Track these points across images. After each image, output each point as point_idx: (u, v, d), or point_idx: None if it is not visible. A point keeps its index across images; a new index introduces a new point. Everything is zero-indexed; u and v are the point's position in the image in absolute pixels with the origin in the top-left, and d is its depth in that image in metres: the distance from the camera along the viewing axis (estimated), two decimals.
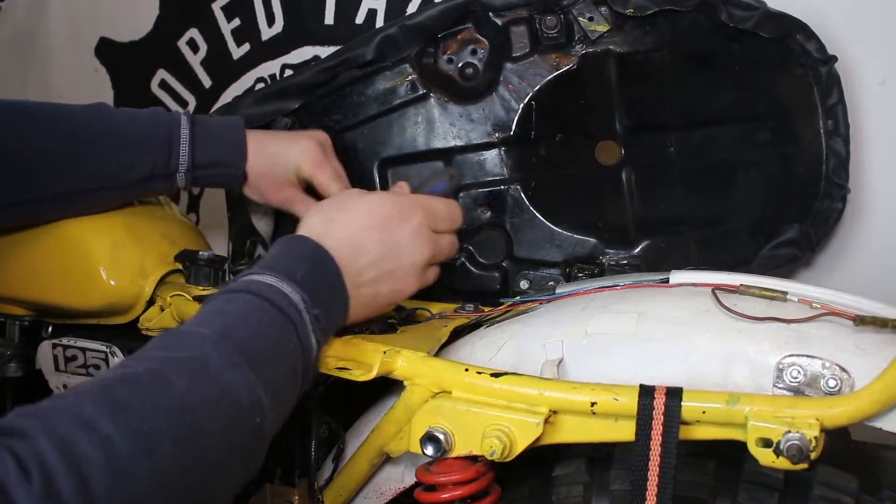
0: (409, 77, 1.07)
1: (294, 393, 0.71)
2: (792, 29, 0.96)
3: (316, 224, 0.80)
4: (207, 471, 0.60)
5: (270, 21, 1.35)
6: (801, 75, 0.98)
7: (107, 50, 1.49)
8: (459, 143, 1.08)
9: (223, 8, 1.38)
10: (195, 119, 0.96)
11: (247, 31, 1.38)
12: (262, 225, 1.10)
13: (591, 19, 1.02)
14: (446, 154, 1.09)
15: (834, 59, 0.96)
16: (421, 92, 1.08)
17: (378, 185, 1.10)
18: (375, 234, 0.80)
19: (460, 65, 1.06)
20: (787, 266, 1.01)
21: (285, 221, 1.10)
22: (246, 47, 1.38)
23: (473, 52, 1.06)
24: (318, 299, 0.73)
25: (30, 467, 0.48)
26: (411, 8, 1.25)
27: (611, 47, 1.03)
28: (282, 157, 0.98)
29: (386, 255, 0.80)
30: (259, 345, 0.67)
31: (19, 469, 0.48)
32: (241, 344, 0.66)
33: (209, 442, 0.59)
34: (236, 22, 1.38)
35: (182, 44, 1.42)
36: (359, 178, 1.09)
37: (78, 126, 0.91)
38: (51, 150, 0.89)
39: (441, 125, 1.08)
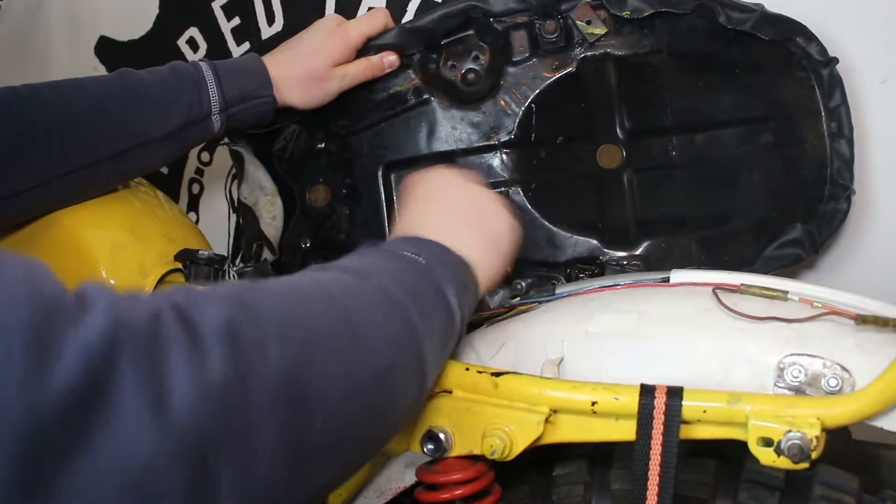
0: (413, 83, 1.08)
1: (443, 327, 0.71)
2: (792, 31, 0.96)
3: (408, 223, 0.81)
4: (368, 356, 0.61)
5: (270, 20, 1.35)
6: (803, 78, 0.97)
7: (106, 49, 1.49)
8: (461, 146, 1.08)
9: (223, 7, 1.38)
10: (213, 62, 0.99)
11: (247, 30, 1.37)
12: (271, 230, 1.11)
13: (588, 23, 1.02)
14: (448, 157, 1.09)
15: (835, 60, 0.95)
16: (424, 97, 1.08)
17: (382, 189, 1.10)
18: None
19: (463, 71, 1.06)
20: (791, 267, 1.00)
21: (293, 231, 1.11)
22: (246, 46, 1.38)
23: (475, 59, 1.06)
24: (442, 263, 0.74)
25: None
26: (411, 7, 1.25)
27: (609, 50, 1.03)
28: (310, 63, 1.01)
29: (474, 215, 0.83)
30: (399, 276, 0.68)
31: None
32: (382, 270, 0.68)
33: (366, 329, 0.62)
34: (236, 21, 1.38)
35: (182, 43, 1.42)
36: (364, 182, 1.09)
37: (101, 92, 0.93)
38: (78, 122, 0.90)
39: (443, 129, 1.09)
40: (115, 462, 0.42)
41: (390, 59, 1.06)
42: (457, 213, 0.82)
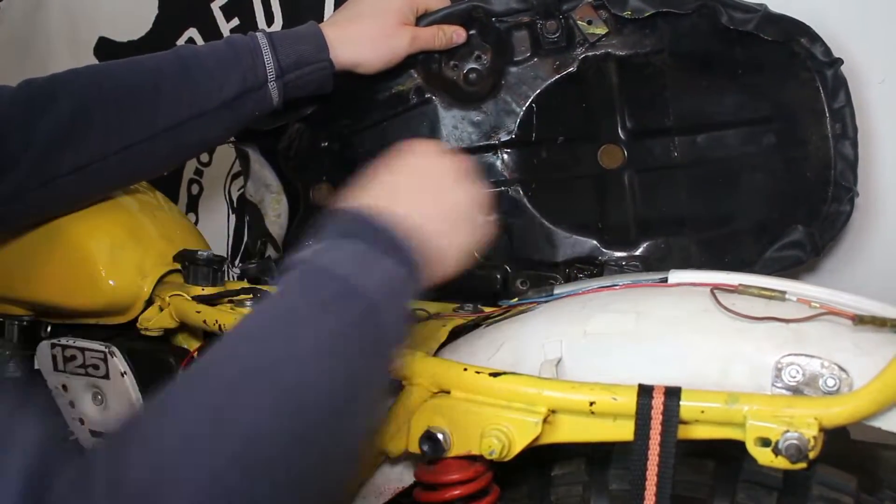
0: (415, 82, 1.08)
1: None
2: (795, 32, 0.95)
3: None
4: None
5: (269, 20, 1.35)
6: (807, 79, 0.96)
7: (106, 49, 1.49)
8: (462, 145, 1.08)
9: (222, 7, 1.38)
10: (269, 32, 0.98)
11: (246, 31, 1.37)
12: (276, 228, 1.11)
13: (590, 23, 1.02)
14: None
15: (840, 61, 0.94)
16: (426, 97, 1.09)
17: None
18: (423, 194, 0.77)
19: (465, 70, 1.07)
20: (792, 269, 1.00)
21: (297, 229, 1.11)
22: None
23: (477, 59, 1.06)
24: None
25: None
26: None
27: (610, 50, 1.03)
28: (377, 19, 1.00)
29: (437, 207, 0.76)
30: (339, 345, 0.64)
31: None
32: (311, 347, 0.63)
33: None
34: (235, 21, 1.39)
35: (181, 43, 1.42)
36: None
37: (156, 67, 0.94)
38: (133, 95, 0.92)
39: (444, 128, 1.09)
40: None
41: (460, 33, 1.04)
42: (410, 187, 0.77)
